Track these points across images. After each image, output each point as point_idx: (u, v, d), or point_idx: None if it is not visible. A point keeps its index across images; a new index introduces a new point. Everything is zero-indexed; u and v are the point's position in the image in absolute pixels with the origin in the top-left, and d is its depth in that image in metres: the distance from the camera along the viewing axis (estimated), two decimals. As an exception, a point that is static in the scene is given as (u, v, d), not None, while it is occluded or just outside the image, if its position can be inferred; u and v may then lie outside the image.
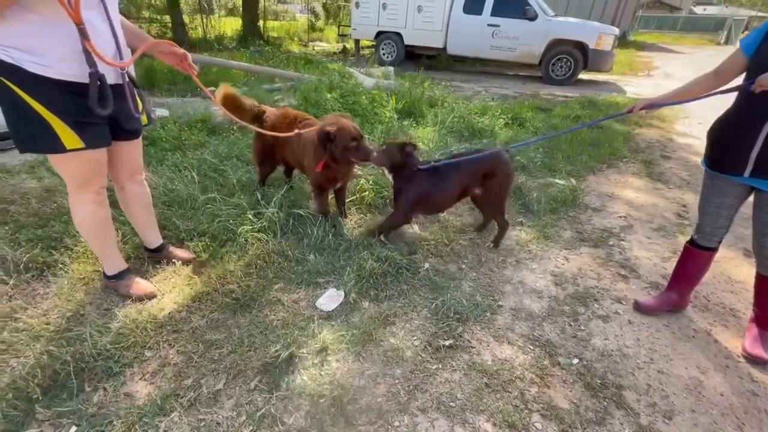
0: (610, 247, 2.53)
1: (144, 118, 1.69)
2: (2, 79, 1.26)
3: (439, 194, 2.23)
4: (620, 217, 2.93)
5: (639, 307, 1.99)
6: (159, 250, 2.04)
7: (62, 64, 1.29)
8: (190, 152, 3.22)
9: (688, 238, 1.90)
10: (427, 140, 3.84)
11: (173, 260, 2.03)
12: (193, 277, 1.96)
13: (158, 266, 2.04)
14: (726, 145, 1.59)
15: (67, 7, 1.20)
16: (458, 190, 2.27)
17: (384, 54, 10.11)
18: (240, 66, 6.16)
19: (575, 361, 1.68)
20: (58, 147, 1.38)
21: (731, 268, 2.39)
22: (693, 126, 5.47)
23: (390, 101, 4.61)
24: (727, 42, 22.99)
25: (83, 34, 1.26)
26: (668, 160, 4.22)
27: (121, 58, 1.46)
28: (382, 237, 2.30)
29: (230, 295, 1.85)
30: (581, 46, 7.95)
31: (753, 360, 1.71)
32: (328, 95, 4.33)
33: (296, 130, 2.17)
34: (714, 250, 1.83)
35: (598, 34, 7.82)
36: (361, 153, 2.07)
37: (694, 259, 1.88)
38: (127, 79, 1.52)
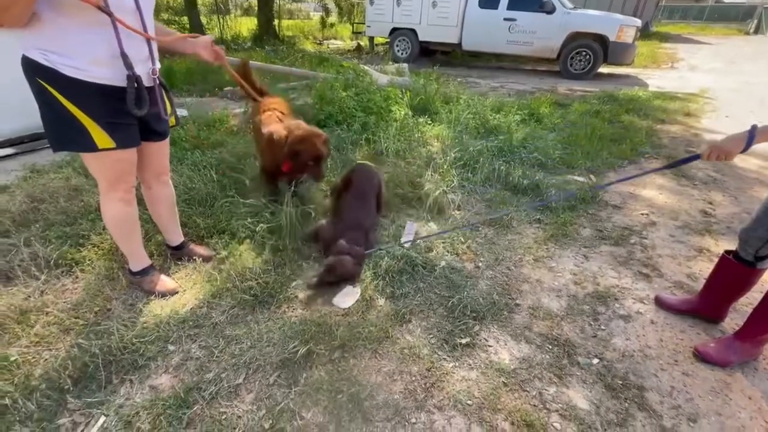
0: (631, 246, 2.47)
1: (172, 120, 1.74)
2: (40, 80, 1.32)
3: None
4: (642, 214, 2.85)
5: (657, 300, 1.99)
6: (180, 247, 2.09)
7: (95, 68, 1.34)
8: (208, 151, 3.28)
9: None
10: (441, 138, 3.81)
11: (194, 257, 2.08)
12: (213, 273, 2.00)
13: (180, 263, 2.09)
14: None
15: None
16: None
17: (398, 51, 10.06)
18: (256, 65, 6.24)
19: (595, 361, 1.65)
20: (90, 146, 1.43)
21: (761, 267, 2.30)
22: (720, 120, 5.26)
23: (404, 98, 4.59)
24: (756, 31, 21.97)
25: (109, 15, 1.25)
26: (693, 155, 4.07)
27: (153, 63, 1.51)
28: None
29: (249, 292, 1.88)
30: (601, 39, 7.73)
31: (699, 357, 1.68)
32: (343, 93, 4.34)
33: (267, 130, 2.22)
34: (748, 265, 1.66)
35: (619, 26, 7.58)
36: (315, 173, 2.22)
37: (722, 265, 1.77)
38: (158, 82, 1.56)
